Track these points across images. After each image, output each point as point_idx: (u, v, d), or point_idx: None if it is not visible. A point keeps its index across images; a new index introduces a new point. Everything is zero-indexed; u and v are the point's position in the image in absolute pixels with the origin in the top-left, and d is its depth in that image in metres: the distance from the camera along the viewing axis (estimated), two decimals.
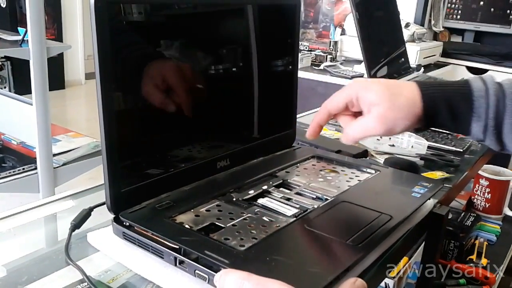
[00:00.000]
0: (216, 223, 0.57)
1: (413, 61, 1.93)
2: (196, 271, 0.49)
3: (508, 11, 2.44)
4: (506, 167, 1.70)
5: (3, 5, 3.29)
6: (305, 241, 0.58)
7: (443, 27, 2.62)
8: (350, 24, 2.04)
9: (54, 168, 1.65)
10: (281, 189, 0.69)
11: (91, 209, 0.63)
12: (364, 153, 0.94)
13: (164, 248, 0.52)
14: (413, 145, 1.00)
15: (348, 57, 2.12)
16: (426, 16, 2.51)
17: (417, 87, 0.61)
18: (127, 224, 0.56)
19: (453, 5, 2.59)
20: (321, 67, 1.93)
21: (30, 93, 1.58)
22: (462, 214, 1.55)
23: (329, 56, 2.08)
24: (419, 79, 0.62)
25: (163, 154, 0.64)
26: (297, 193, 0.68)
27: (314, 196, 0.67)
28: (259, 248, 0.52)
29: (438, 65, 2.30)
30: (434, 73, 2.07)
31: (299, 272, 0.48)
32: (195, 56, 0.67)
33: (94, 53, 0.52)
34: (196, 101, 0.66)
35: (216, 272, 0.45)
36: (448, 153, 1.01)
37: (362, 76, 1.72)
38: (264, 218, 0.59)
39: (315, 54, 2.10)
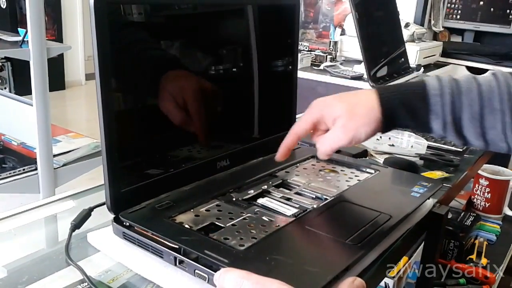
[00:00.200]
0: (216, 223, 0.57)
1: (412, 61, 1.93)
2: (196, 271, 0.49)
3: (508, 11, 2.44)
4: (506, 167, 1.70)
5: (3, 6, 3.29)
6: (304, 241, 0.59)
7: (443, 27, 2.62)
8: (350, 24, 2.04)
9: (55, 168, 1.65)
10: (280, 189, 0.69)
11: (91, 209, 0.63)
12: (364, 153, 0.94)
13: (164, 248, 0.52)
14: (413, 145, 1.00)
15: (348, 57, 2.11)
16: (426, 16, 2.50)
17: (375, 93, 0.63)
18: (127, 224, 0.56)
19: (453, 5, 2.59)
20: (321, 67, 1.92)
21: (30, 93, 1.58)
22: (462, 213, 1.55)
23: (329, 56, 2.07)
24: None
25: (163, 154, 0.64)
26: (297, 193, 0.68)
27: (314, 196, 0.67)
28: (259, 247, 0.52)
29: (438, 65, 2.30)
30: (434, 73, 2.06)
31: (299, 272, 0.48)
32: (194, 56, 0.67)
33: (94, 53, 0.52)
34: (195, 101, 0.66)
35: (215, 271, 0.45)
36: (447, 153, 1.01)
37: (362, 76, 1.72)
38: (264, 218, 0.59)
39: (315, 54, 2.09)
